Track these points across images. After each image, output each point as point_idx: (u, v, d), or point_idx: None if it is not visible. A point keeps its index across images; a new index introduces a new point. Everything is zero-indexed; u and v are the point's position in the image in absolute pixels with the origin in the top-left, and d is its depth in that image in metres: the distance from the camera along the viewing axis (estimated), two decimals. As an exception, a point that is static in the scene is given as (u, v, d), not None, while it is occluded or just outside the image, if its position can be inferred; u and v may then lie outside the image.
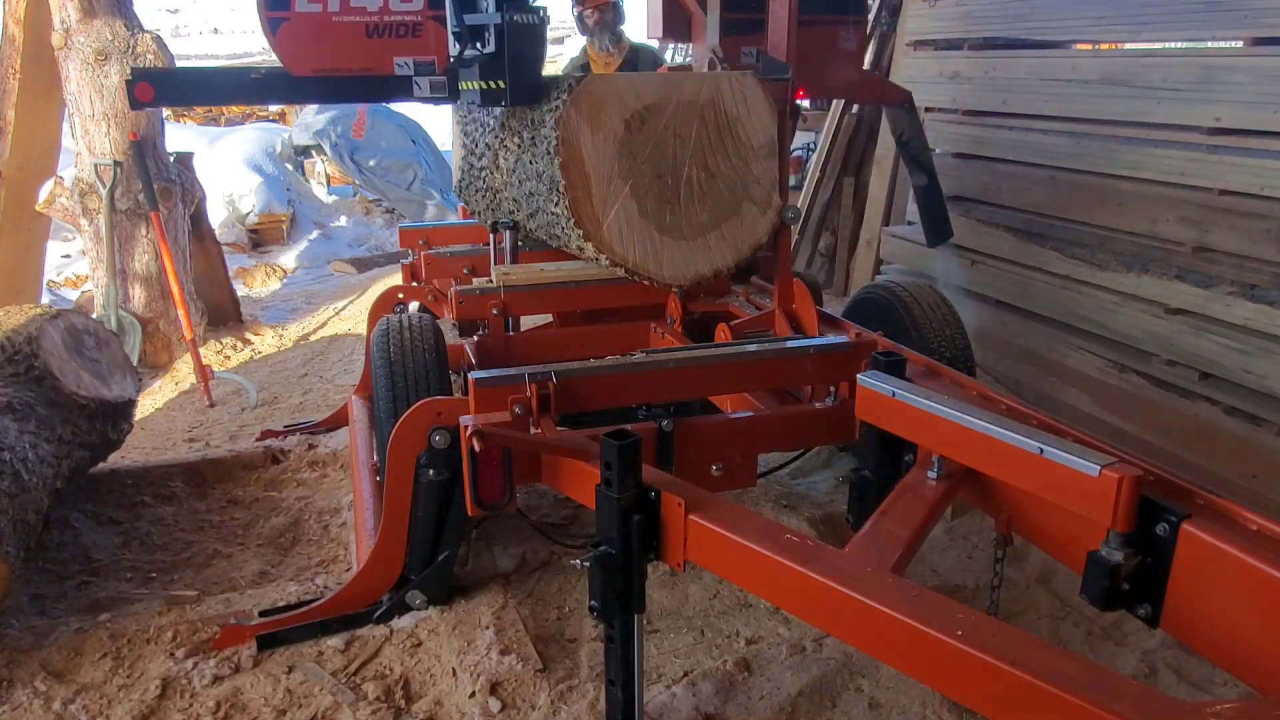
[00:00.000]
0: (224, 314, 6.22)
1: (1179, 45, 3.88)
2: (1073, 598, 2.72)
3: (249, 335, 6.14)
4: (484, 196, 3.50)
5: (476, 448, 1.93)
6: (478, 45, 2.76)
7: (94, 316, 4.76)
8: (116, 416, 3.40)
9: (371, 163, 10.17)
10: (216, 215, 8.26)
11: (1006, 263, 4.43)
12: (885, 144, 6.04)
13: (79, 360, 3.34)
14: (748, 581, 1.77)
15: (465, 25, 2.76)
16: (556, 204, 2.68)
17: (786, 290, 3.04)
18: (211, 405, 4.88)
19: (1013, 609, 2.73)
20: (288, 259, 8.70)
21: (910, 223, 5.28)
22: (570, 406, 2.22)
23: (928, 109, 5.15)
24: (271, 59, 2.94)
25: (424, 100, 3.10)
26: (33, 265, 5.82)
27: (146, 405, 4.87)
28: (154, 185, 5.15)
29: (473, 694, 2.34)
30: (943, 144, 4.95)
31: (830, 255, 6.53)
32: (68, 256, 8.01)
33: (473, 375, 2.18)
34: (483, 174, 3.43)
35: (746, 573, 1.71)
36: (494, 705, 2.31)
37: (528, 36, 2.70)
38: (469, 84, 2.86)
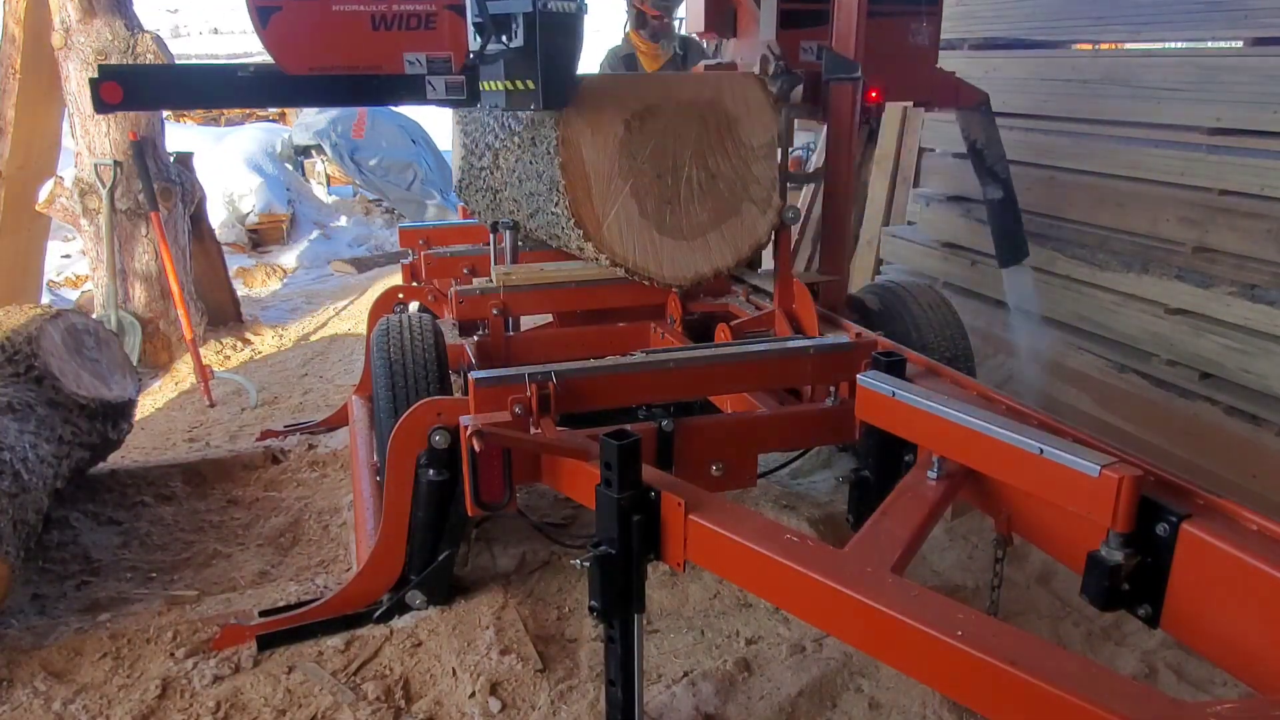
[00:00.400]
0: (224, 314, 6.22)
1: (1179, 45, 3.87)
2: (1073, 598, 2.72)
3: (249, 335, 6.14)
4: (484, 196, 3.50)
5: (476, 448, 1.93)
6: (503, 39, 2.43)
7: (94, 316, 4.76)
8: (116, 416, 3.40)
9: (372, 163, 10.17)
10: (216, 215, 8.25)
11: (1006, 263, 4.43)
12: (885, 144, 6.04)
13: (79, 360, 3.34)
14: (748, 581, 1.77)
15: (489, 15, 2.41)
16: (556, 204, 2.68)
17: (786, 290, 3.04)
18: (211, 405, 4.88)
19: (1013, 609, 2.73)
20: (288, 259, 8.69)
21: (910, 223, 5.28)
22: (570, 406, 2.22)
23: (927, 110, 5.15)
24: (265, 57, 2.62)
25: (439, 103, 2.69)
26: (33, 265, 5.82)
27: (146, 405, 4.87)
28: (154, 185, 5.15)
29: (473, 694, 2.34)
30: (942, 144, 4.95)
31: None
32: (68, 256, 8.00)
33: (473, 375, 2.18)
34: (483, 174, 3.44)
35: (746, 573, 1.71)
36: (494, 705, 2.31)
37: (563, 28, 2.37)
38: (492, 84, 2.52)
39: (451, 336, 3.25)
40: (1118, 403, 3.81)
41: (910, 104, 5.36)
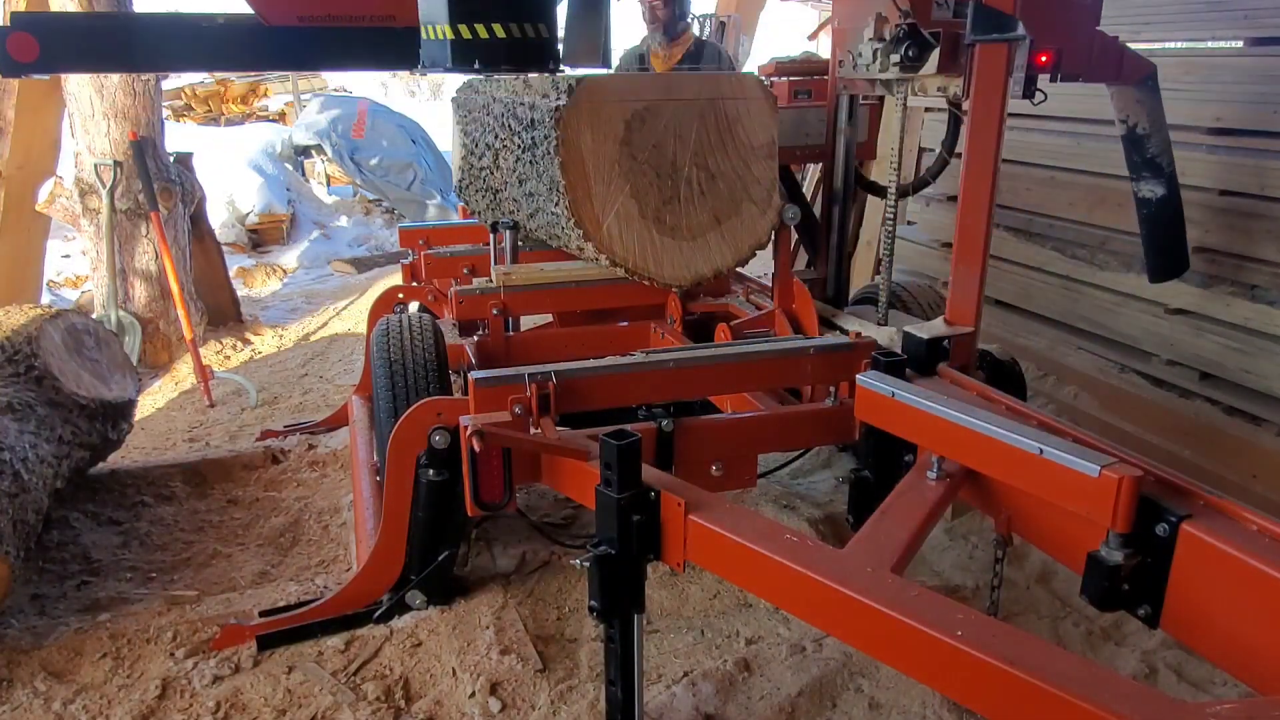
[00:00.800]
0: (224, 314, 6.22)
1: (1179, 45, 3.87)
2: (1073, 598, 2.72)
3: (249, 335, 6.14)
4: (484, 196, 3.50)
5: (476, 448, 1.93)
6: None
7: (94, 316, 4.76)
8: (116, 416, 3.40)
9: (372, 163, 10.17)
10: (216, 215, 8.25)
11: (1006, 263, 4.43)
12: (886, 142, 6.02)
13: (79, 360, 3.34)
14: (748, 581, 1.77)
15: None
16: (556, 204, 2.68)
17: (786, 290, 3.04)
18: (211, 405, 4.88)
19: (1013, 609, 2.73)
20: (288, 259, 8.69)
21: (910, 222, 5.27)
22: (570, 406, 2.22)
23: (927, 109, 5.15)
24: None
25: (432, 68, 2.26)
26: (33, 265, 5.82)
27: (146, 405, 4.87)
28: (154, 185, 5.15)
29: (473, 694, 2.34)
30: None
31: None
32: (68, 256, 8.00)
33: (473, 375, 2.18)
34: (483, 174, 3.43)
35: (746, 573, 1.71)
36: (494, 705, 2.31)
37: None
38: (487, 29, 2.09)
39: (451, 336, 3.25)
40: (1118, 403, 3.81)
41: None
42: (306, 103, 12.47)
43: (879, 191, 3.38)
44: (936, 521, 1.92)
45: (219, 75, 13.05)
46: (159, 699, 2.35)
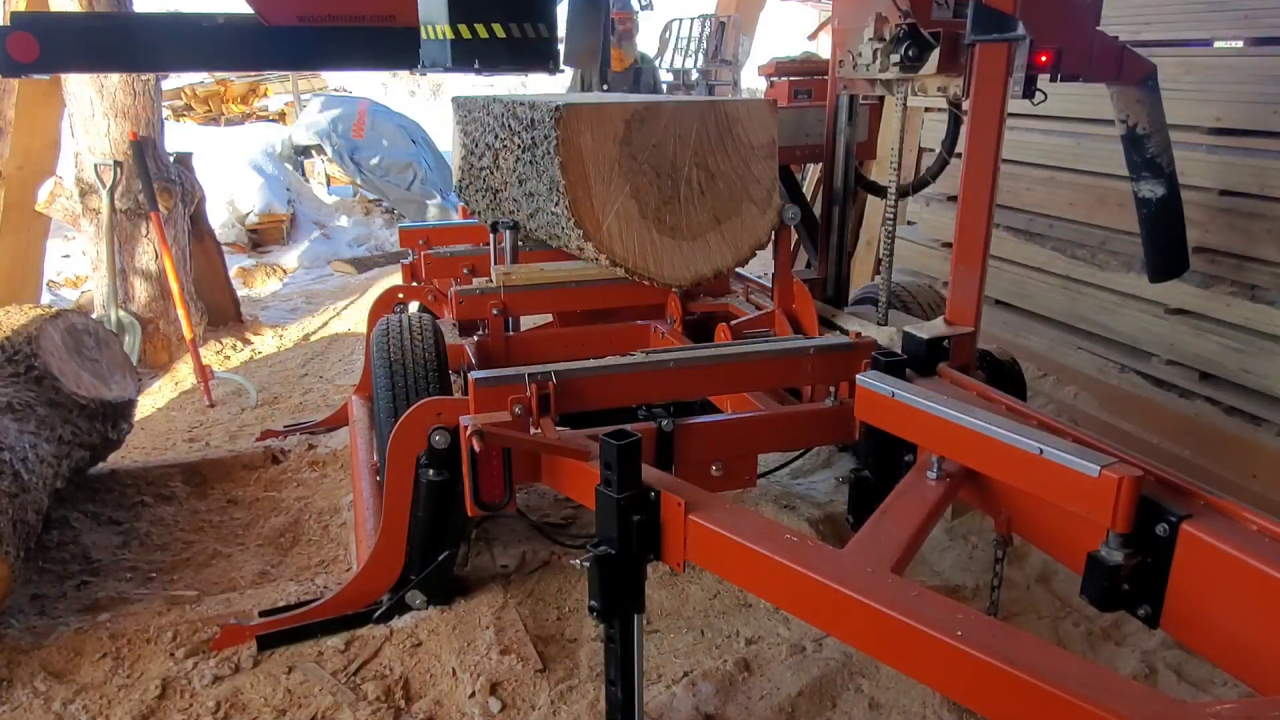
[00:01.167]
0: (224, 314, 6.22)
1: (1179, 45, 3.87)
2: (1073, 598, 2.72)
3: (249, 335, 6.14)
4: (484, 196, 3.50)
5: (476, 448, 1.93)
6: None
7: (94, 316, 4.76)
8: (116, 416, 3.40)
9: (372, 163, 10.17)
10: (216, 215, 8.25)
11: (1006, 263, 4.43)
12: (886, 142, 6.02)
13: (79, 360, 3.34)
14: (748, 581, 1.77)
15: None
16: (556, 204, 2.68)
17: (786, 290, 3.04)
18: (211, 405, 4.88)
19: (1013, 609, 2.73)
20: (288, 259, 8.69)
21: (910, 222, 5.28)
22: (570, 406, 2.22)
23: (926, 109, 5.15)
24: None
25: (430, 68, 2.28)
26: (33, 265, 5.82)
27: (146, 405, 4.87)
28: (154, 185, 5.15)
29: (473, 694, 2.34)
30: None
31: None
32: (68, 256, 8.01)
33: (473, 375, 2.18)
34: (483, 174, 3.43)
35: (746, 573, 1.71)
36: (494, 705, 2.31)
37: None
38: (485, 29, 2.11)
39: (451, 336, 3.25)
40: (1118, 403, 3.81)
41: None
42: (306, 103, 12.48)
43: (879, 191, 3.39)
44: (936, 521, 1.92)
45: (219, 75, 13.07)
46: (159, 699, 2.35)
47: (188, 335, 5.10)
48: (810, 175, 6.55)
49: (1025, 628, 2.57)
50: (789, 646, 2.53)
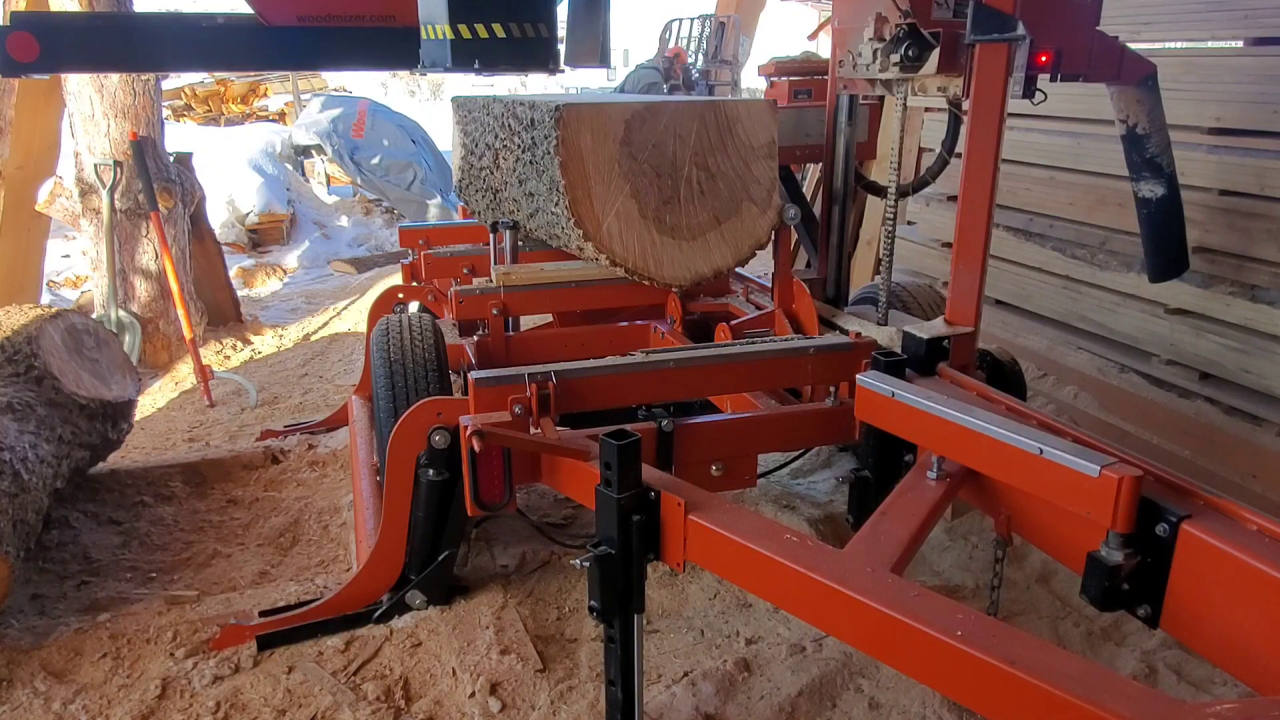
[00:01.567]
0: (224, 314, 6.22)
1: (1179, 45, 3.87)
2: (1073, 598, 2.72)
3: (249, 335, 6.14)
4: (484, 196, 3.50)
5: (476, 448, 1.93)
6: None
7: (94, 316, 4.76)
8: (116, 416, 3.40)
9: (372, 163, 10.18)
10: (216, 215, 8.26)
11: (1006, 263, 4.43)
12: (886, 142, 6.02)
13: (79, 360, 3.34)
14: (748, 581, 1.77)
15: None
16: (556, 204, 2.68)
17: (786, 290, 3.04)
18: (211, 405, 4.88)
19: (1013, 609, 2.73)
20: (288, 259, 8.70)
21: (910, 222, 5.28)
22: (570, 406, 2.22)
23: (927, 109, 5.15)
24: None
25: (432, 68, 2.28)
26: (33, 265, 5.82)
27: (146, 405, 4.87)
28: (154, 185, 5.15)
29: (473, 694, 2.34)
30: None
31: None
32: (68, 256, 8.01)
33: (473, 375, 2.18)
34: (483, 174, 3.44)
35: (746, 573, 1.71)
36: (494, 705, 2.31)
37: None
38: (485, 28, 2.13)
39: (451, 336, 3.25)
40: (1118, 403, 3.81)
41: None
42: (306, 103, 12.48)
43: (879, 191, 3.39)
44: (936, 521, 1.92)
45: (219, 75, 13.09)
46: (159, 699, 2.35)
47: (188, 335, 5.10)
48: (810, 175, 6.55)
49: (1025, 628, 2.57)
50: (789, 646, 2.53)
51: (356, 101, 11.05)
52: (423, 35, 2.21)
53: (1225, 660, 1.59)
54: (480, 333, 3.23)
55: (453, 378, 3.08)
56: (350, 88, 17.33)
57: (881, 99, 3.49)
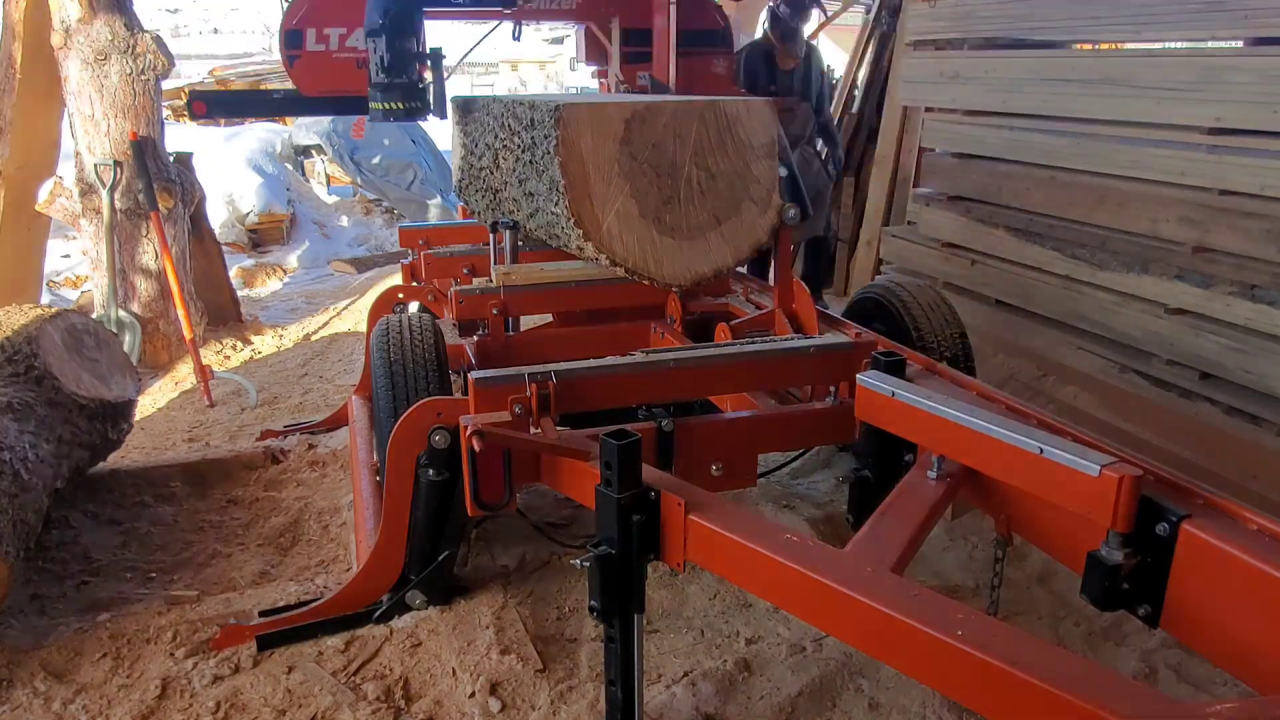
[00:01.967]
0: (224, 314, 6.22)
1: (1179, 45, 3.87)
2: (1073, 598, 2.72)
3: (249, 335, 6.14)
4: (484, 196, 3.50)
5: (476, 448, 1.93)
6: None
7: (94, 316, 4.76)
8: (116, 416, 3.40)
9: (372, 163, 10.18)
10: (216, 215, 8.26)
11: (1006, 263, 4.43)
12: (885, 145, 6.04)
13: (79, 360, 3.34)
14: (748, 581, 1.77)
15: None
16: (556, 204, 2.68)
17: (786, 290, 3.04)
18: (211, 405, 4.88)
19: (1013, 609, 2.73)
20: (288, 259, 8.70)
21: (910, 223, 5.28)
22: (570, 406, 2.22)
23: (928, 109, 5.15)
24: (282, 78, 4.54)
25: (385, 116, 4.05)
26: (33, 265, 5.82)
27: (146, 405, 4.87)
28: (154, 185, 5.15)
29: (473, 694, 2.34)
30: (942, 144, 4.95)
31: (830, 255, 6.53)
32: (68, 256, 8.01)
33: (473, 375, 2.18)
34: (483, 174, 3.43)
35: (746, 573, 1.71)
36: (494, 705, 2.31)
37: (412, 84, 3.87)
38: (386, 104, 3.86)
39: (451, 336, 3.25)
40: (1118, 403, 3.81)
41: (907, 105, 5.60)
42: (306, 103, 12.45)
43: None
44: (936, 521, 1.92)
45: (220, 75, 13.18)
46: (159, 699, 2.35)
47: (188, 335, 5.10)
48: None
49: (1025, 628, 2.57)
50: (789, 646, 2.53)
51: (357, 102, 11.03)
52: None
53: (1225, 660, 1.59)
54: (480, 333, 3.22)
55: (453, 378, 3.08)
56: (350, 88, 17.34)
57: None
